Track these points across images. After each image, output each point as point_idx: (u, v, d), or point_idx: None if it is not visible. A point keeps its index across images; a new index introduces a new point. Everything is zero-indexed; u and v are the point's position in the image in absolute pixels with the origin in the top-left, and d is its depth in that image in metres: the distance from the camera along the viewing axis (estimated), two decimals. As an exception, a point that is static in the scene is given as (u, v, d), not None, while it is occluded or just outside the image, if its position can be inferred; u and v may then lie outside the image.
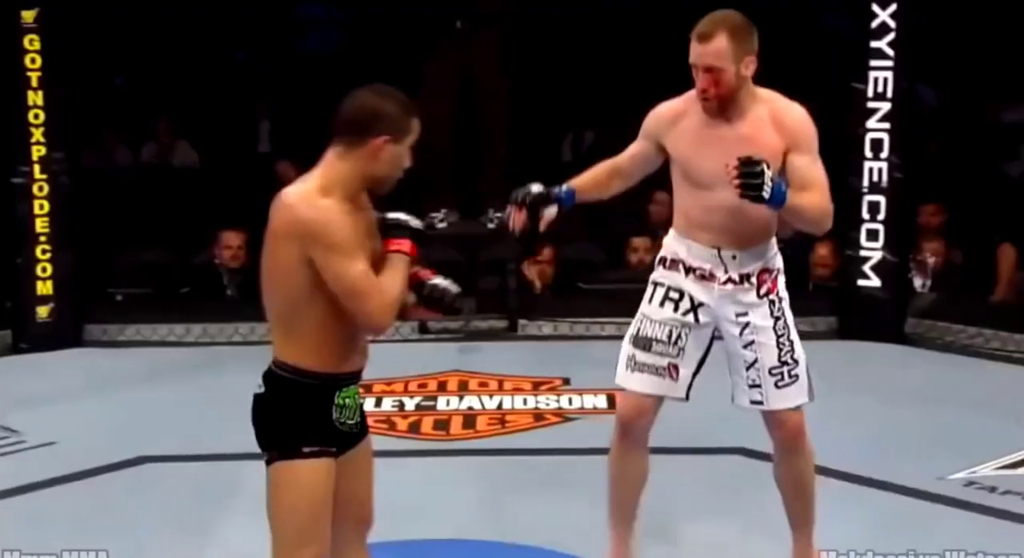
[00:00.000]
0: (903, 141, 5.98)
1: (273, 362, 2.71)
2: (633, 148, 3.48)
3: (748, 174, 2.92)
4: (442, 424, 5.02)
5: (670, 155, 3.31)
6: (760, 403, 3.27)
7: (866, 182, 5.99)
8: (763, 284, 3.23)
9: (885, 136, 5.95)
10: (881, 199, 6.06)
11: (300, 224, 2.56)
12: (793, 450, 3.32)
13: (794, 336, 3.26)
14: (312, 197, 2.58)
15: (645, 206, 7.12)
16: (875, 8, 5.89)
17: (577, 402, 5.28)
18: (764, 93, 3.20)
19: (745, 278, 3.23)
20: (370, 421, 5.07)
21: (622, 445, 3.47)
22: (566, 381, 5.53)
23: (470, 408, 5.22)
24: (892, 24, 5.88)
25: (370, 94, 2.67)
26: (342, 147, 2.64)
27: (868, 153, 5.98)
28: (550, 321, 6.48)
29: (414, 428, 4.98)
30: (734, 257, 3.22)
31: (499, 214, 6.35)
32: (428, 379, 5.58)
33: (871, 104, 5.94)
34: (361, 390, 2.78)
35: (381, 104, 2.65)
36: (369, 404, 5.15)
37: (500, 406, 5.25)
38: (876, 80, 5.92)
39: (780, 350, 3.22)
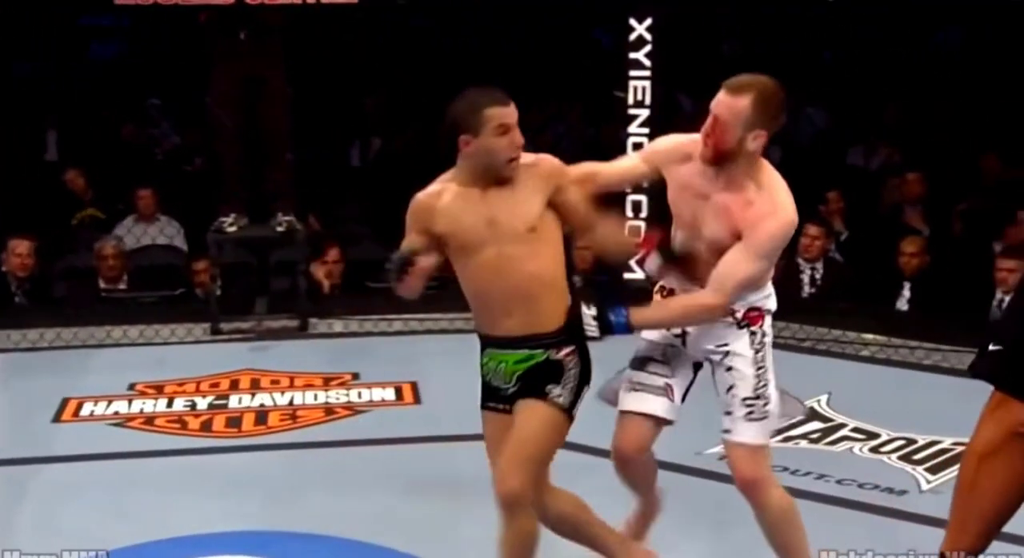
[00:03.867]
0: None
1: None
2: (626, 165, 3.44)
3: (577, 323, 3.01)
4: (234, 421, 5.11)
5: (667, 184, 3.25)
6: (728, 432, 3.18)
7: (630, 184, 6.43)
8: (746, 318, 3.16)
9: (645, 140, 6.38)
10: (643, 198, 6.49)
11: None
12: (755, 503, 3.22)
13: (770, 376, 3.17)
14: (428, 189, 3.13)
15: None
16: (633, 22, 6.33)
17: (367, 396, 5.43)
18: (767, 179, 3.10)
19: (729, 313, 3.14)
20: (161, 422, 5.25)
21: (622, 476, 3.39)
22: (356, 376, 5.67)
23: (262, 405, 5.31)
24: (648, 37, 6.33)
25: (455, 101, 3.08)
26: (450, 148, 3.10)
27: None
28: (340, 319, 6.64)
29: (206, 426, 5.06)
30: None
31: (287, 217, 6.54)
32: (220, 378, 5.63)
33: (632, 111, 6.38)
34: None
35: (455, 109, 3.05)
36: (161, 405, 5.27)
37: (292, 402, 5.36)
38: (635, 89, 6.38)
39: (757, 382, 3.14)
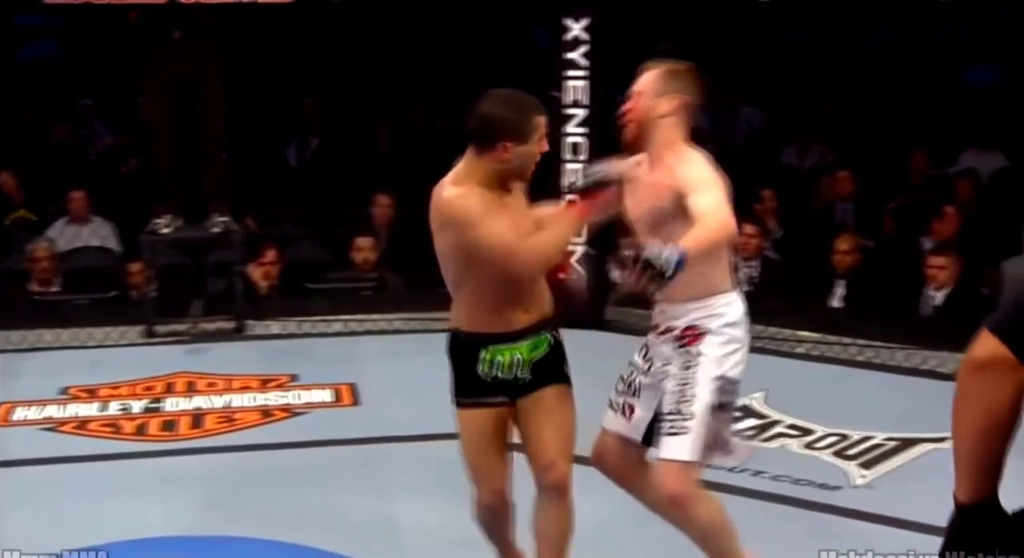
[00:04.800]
0: (600, 145, 6.47)
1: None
2: None
3: (645, 266, 2.79)
4: (170, 425, 5.08)
5: None
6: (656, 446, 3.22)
7: (566, 183, 6.45)
8: (685, 337, 3.19)
9: (583, 140, 6.44)
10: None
11: (444, 211, 3.01)
12: (680, 519, 3.22)
13: (702, 395, 3.14)
14: (445, 188, 3.02)
15: (367, 208, 7.41)
16: (568, 22, 6.36)
17: (305, 397, 5.40)
18: (686, 151, 3.20)
19: (670, 330, 3.21)
20: (95, 426, 5.20)
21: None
22: (294, 378, 5.64)
23: (198, 408, 5.28)
24: (585, 37, 6.36)
25: (494, 103, 3.02)
26: (475, 150, 3.03)
27: (568, 156, 6.45)
28: (277, 321, 6.59)
29: (141, 430, 5.02)
30: (663, 311, 3.23)
31: (223, 218, 6.50)
32: (155, 381, 5.58)
33: (569, 111, 6.41)
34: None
35: (504, 113, 2.99)
36: (95, 409, 5.21)
37: (228, 405, 5.33)
38: (572, 89, 6.40)
39: (680, 397, 3.14)
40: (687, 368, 3.17)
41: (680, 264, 2.81)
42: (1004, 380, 1.93)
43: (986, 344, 1.94)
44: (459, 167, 3.08)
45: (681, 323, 3.19)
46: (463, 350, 3.16)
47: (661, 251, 2.79)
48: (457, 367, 3.18)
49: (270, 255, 6.98)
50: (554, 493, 3.20)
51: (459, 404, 3.19)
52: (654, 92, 3.19)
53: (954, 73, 8.85)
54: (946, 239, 6.72)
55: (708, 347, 3.17)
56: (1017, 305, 1.98)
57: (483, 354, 3.13)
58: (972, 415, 1.97)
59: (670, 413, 3.15)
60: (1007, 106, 7.97)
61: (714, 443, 3.19)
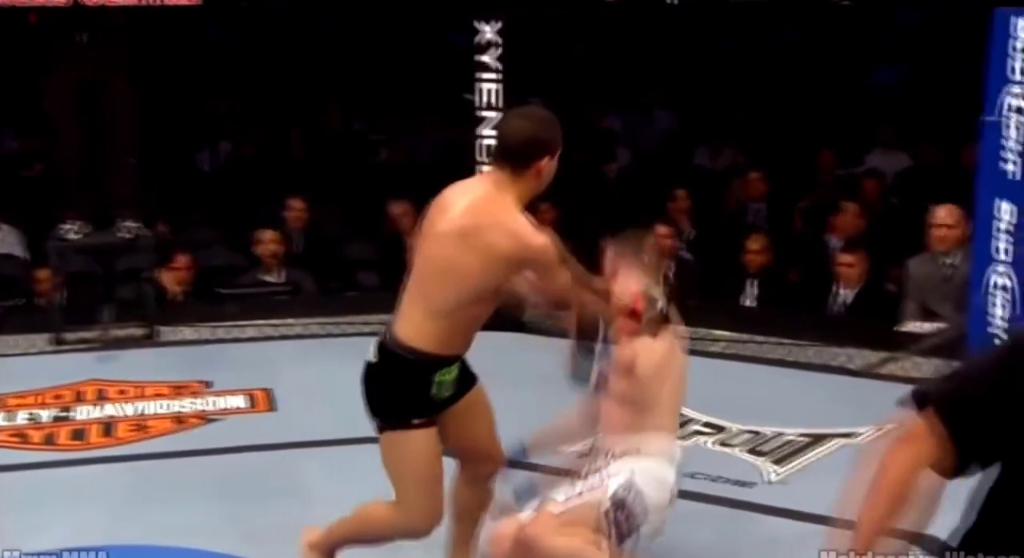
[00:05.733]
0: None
1: (396, 340, 3.08)
2: None
3: None
4: (80, 433, 5.00)
5: None
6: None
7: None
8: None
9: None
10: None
11: (522, 247, 2.97)
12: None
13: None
14: (521, 221, 2.98)
15: (280, 211, 7.36)
16: (481, 25, 6.37)
17: (219, 404, 5.35)
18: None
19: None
20: (2, 436, 5.08)
21: None
22: (207, 384, 5.58)
23: (109, 416, 5.19)
24: (498, 40, 6.38)
25: (527, 122, 3.03)
26: (510, 170, 3.01)
27: (482, 158, 6.46)
28: (190, 327, 6.51)
29: (50, 440, 4.94)
30: None
31: (133, 224, 6.40)
32: (64, 390, 5.48)
33: (482, 113, 6.42)
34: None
35: (540, 130, 3.02)
36: (0, 419, 5.10)
37: (140, 412, 5.26)
38: (485, 91, 6.41)
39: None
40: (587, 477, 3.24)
41: None
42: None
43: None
44: (492, 184, 3.06)
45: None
46: (420, 371, 3.12)
47: None
48: (410, 388, 3.14)
49: (182, 260, 6.91)
50: (491, 480, 3.36)
51: (413, 425, 3.14)
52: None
53: (860, 75, 9.03)
54: (852, 236, 6.85)
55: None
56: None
57: (437, 376, 3.13)
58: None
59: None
60: (910, 107, 8.16)
61: None
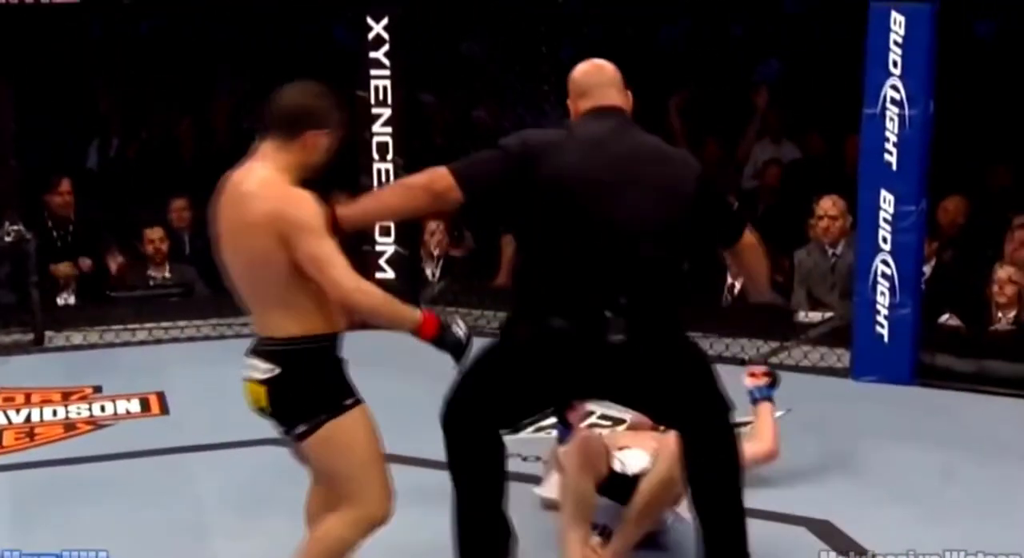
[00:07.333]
0: (406, 143, 6.50)
1: (277, 341, 2.91)
2: None
3: None
4: (-35, 443, 4.87)
5: None
6: None
7: (375, 182, 6.43)
8: None
9: (389, 139, 6.44)
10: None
11: (279, 214, 2.82)
12: None
13: None
14: (280, 185, 2.86)
15: (166, 212, 7.25)
16: (370, 21, 6.34)
17: (110, 409, 5.29)
18: None
19: None
20: None
21: None
22: (97, 389, 5.52)
23: (-4, 424, 5.08)
24: (386, 36, 6.36)
25: (296, 92, 2.94)
26: (279, 140, 2.92)
27: (375, 155, 6.44)
28: (79, 331, 6.41)
29: (-67, 450, 4.81)
30: None
31: (15, 226, 6.25)
32: (-52, 399, 5.35)
33: (375, 110, 6.40)
34: None
35: (308, 101, 2.93)
36: None
37: (28, 419, 5.17)
38: (377, 88, 6.40)
39: None
40: None
41: None
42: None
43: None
44: (267, 161, 2.93)
45: None
46: (325, 355, 2.98)
47: None
48: (326, 373, 2.98)
49: (65, 184, 6.86)
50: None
51: (346, 407, 2.97)
52: None
53: (746, 67, 9.16)
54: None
55: None
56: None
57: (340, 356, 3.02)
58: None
59: None
60: (791, 99, 8.30)
61: None
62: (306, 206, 2.87)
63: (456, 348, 3.03)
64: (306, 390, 2.96)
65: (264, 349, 2.96)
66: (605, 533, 3.71)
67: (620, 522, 3.68)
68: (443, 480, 3.31)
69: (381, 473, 3.05)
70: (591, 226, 3.04)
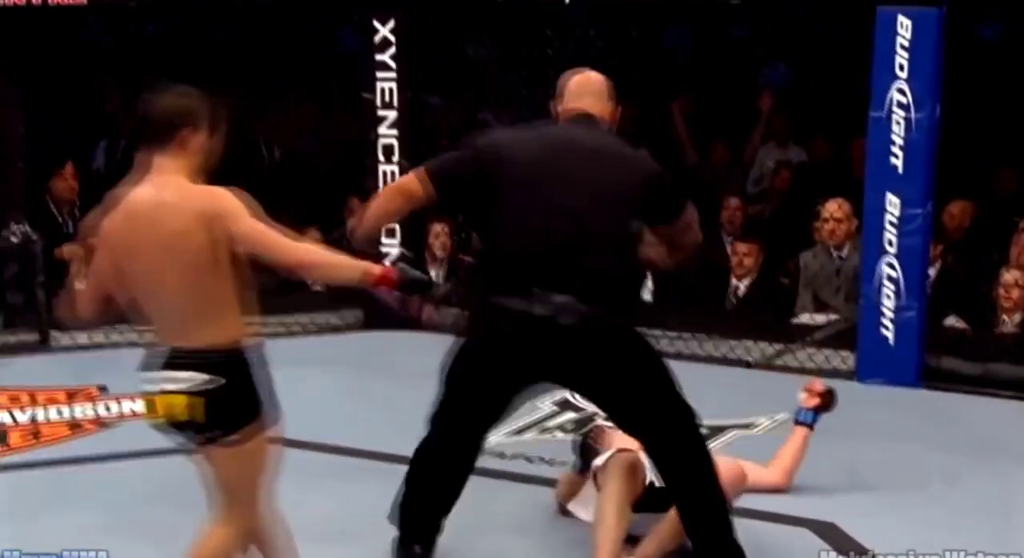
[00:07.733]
0: (411, 145, 6.50)
1: (218, 351, 2.87)
2: None
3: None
4: (-30, 442, 4.88)
5: None
6: None
7: (381, 184, 6.41)
8: None
9: (395, 142, 6.45)
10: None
11: (207, 210, 2.83)
12: None
13: None
14: (196, 187, 2.88)
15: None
16: (376, 24, 6.35)
17: (115, 409, 5.29)
18: None
19: None
20: None
21: None
22: (103, 389, 5.51)
23: (2, 424, 5.10)
24: (392, 38, 6.37)
25: (164, 96, 2.92)
26: (157, 147, 2.90)
27: (381, 157, 6.44)
28: (84, 331, 6.37)
29: (-61, 449, 4.81)
30: None
31: (22, 227, 6.26)
32: (-47, 399, 5.35)
33: (381, 112, 6.41)
34: None
35: (177, 101, 2.92)
36: None
37: (34, 419, 5.18)
38: (383, 90, 6.40)
39: None
40: None
41: None
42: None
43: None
44: (168, 175, 2.90)
45: None
46: (256, 365, 2.97)
47: None
48: (260, 383, 2.96)
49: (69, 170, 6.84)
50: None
51: (275, 419, 3.00)
52: None
53: (751, 71, 9.15)
54: (740, 227, 6.97)
55: None
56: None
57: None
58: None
59: None
60: (800, 104, 8.30)
61: None
62: (228, 196, 2.91)
63: (419, 283, 3.11)
64: (246, 399, 2.94)
65: (197, 361, 2.89)
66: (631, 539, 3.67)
67: (650, 533, 3.67)
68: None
69: (262, 492, 3.08)
70: (543, 211, 3.26)
